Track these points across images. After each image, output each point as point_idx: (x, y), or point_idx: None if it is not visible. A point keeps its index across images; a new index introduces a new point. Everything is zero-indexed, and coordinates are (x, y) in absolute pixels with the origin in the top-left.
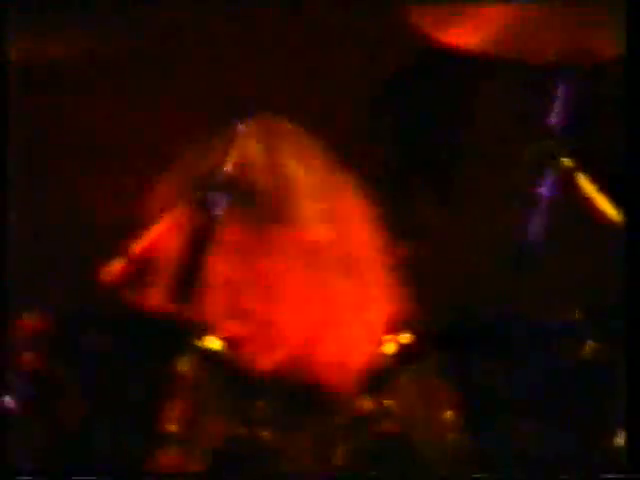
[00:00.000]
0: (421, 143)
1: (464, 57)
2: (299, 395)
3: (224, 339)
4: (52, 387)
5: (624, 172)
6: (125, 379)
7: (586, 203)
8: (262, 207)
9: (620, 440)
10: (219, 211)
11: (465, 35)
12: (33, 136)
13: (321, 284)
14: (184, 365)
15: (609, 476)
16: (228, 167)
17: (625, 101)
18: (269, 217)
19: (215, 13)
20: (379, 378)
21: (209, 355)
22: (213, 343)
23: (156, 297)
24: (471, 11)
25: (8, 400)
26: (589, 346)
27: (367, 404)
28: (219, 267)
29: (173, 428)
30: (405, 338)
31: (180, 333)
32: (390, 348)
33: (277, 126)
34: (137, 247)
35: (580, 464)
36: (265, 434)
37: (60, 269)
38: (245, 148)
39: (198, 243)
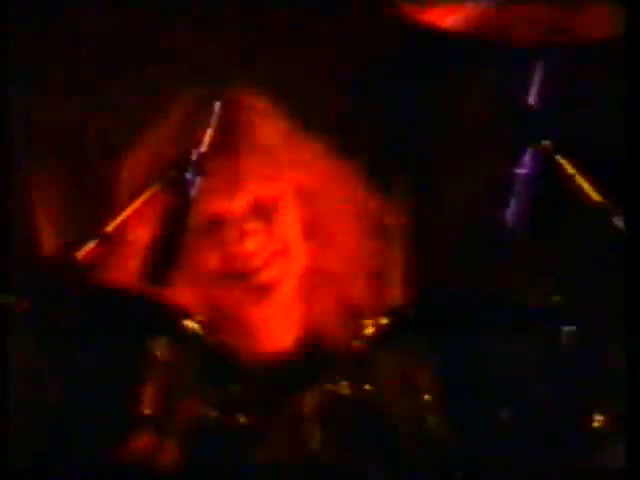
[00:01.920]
0: (401, 124)
1: (445, 38)
2: (274, 379)
3: (200, 322)
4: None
5: (607, 154)
6: (99, 361)
7: (567, 185)
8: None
9: (597, 424)
10: (193, 192)
11: (444, 15)
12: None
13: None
14: (159, 347)
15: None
16: (203, 147)
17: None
18: None
19: None
20: (357, 362)
21: (185, 337)
22: (189, 325)
23: (131, 278)
24: None
25: None
26: (567, 330)
27: (345, 388)
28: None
29: (148, 411)
30: (384, 321)
31: (156, 314)
32: (369, 331)
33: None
34: (111, 227)
35: (558, 448)
36: (240, 418)
37: (35, 250)
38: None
39: (173, 224)
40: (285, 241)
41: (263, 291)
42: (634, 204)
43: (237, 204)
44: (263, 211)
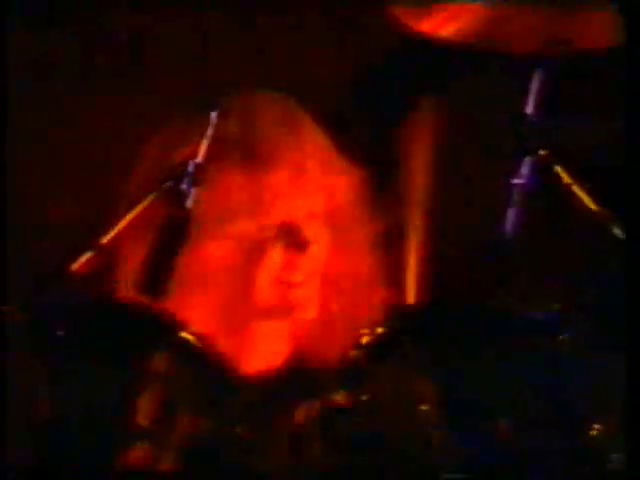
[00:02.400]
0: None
1: (442, 47)
2: (273, 390)
3: (198, 334)
4: (22, 381)
5: (605, 164)
6: (96, 373)
7: (564, 195)
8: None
9: (594, 432)
10: (189, 203)
11: (444, 24)
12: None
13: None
14: (156, 359)
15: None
16: (199, 158)
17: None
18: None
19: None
20: (355, 371)
21: (182, 350)
22: (185, 337)
23: (127, 290)
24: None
25: None
26: (567, 339)
27: (343, 398)
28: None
29: (145, 423)
30: (382, 330)
31: (153, 327)
32: (365, 340)
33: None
34: (107, 238)
35: (557, 457)
36: (238, 430)
37: (30, 262)
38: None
39: (169, 235)
40: (317, 264)
41: (291, 309)
42: (632, 212)
43: (298, 212)
44: (315, 228)
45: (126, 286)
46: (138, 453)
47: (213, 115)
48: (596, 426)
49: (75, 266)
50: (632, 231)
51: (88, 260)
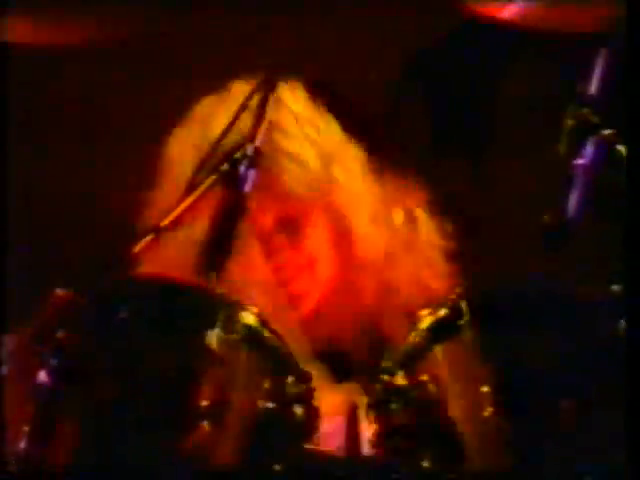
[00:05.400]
0: (454, 115)
1: (499, 28)
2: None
3: (256, 313)
4: (83, 362)
5: None
6: (156, 354)
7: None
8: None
9: None
10: (248, 186)
11: (500, 5)
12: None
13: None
14: (215, 340)
15: None
16: (257, 141)
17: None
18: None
19: None
20: (413, 353)
21: (241, 330)
22: (245, 317)
23: (185, 271)
24: None
25: (42, 374)
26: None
27: (401, 380)
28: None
29: (205, 403)
30: (440, 312)
31: (211, 307)
32: (425, 322)
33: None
34: (167, 220)
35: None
36: (297, 411)
37: (90, 244)
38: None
39: (227, 217)
40: (311, 255)
41: (294, 301)
42: None
43: (265, 219)
44: (289, 227)
45: (184, 268)
46: (199, 434)
47: (270, 98)
48: None
49: (137, 249)
50: None
51: (149, 243)
